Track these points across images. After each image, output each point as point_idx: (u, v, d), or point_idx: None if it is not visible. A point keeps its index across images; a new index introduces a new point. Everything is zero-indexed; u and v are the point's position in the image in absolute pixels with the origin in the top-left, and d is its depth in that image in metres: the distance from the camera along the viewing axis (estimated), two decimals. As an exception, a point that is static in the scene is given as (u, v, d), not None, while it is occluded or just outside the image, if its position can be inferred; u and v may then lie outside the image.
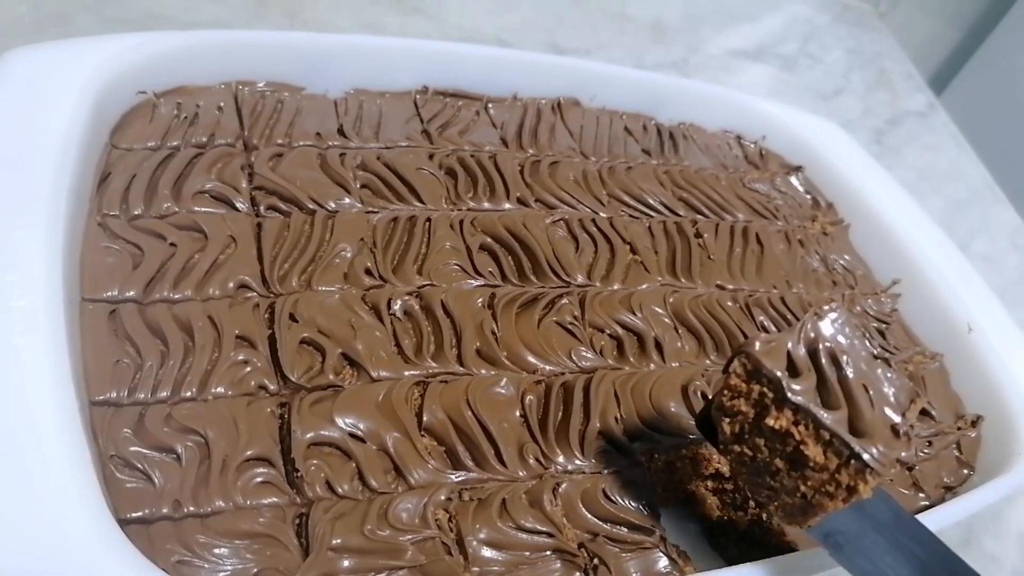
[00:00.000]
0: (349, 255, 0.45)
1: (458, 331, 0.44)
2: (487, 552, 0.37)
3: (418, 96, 0.58)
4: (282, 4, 0.76)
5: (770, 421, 0.35)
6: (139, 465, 0.34)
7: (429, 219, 0.49)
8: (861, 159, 0.74)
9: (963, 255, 0.68)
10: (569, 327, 0.47)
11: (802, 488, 0.35)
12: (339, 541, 0.34)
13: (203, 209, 0.45)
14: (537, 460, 0.41)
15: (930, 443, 0.53)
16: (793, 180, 0.70)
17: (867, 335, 0.38)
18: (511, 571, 0.37)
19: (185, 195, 0.45)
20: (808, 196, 0.70)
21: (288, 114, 0.52)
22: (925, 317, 0.62)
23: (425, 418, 0.40)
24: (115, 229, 0.42)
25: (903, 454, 0.34)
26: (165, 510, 0.33)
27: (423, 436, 0.40)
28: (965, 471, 0.54)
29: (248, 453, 0.36)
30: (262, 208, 0.46)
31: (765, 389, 0.35)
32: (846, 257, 0.65)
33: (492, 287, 0.48)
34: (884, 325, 0.61)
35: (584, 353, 0.46)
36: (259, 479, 0.36)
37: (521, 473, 0.40)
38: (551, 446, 0.42)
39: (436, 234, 0.49)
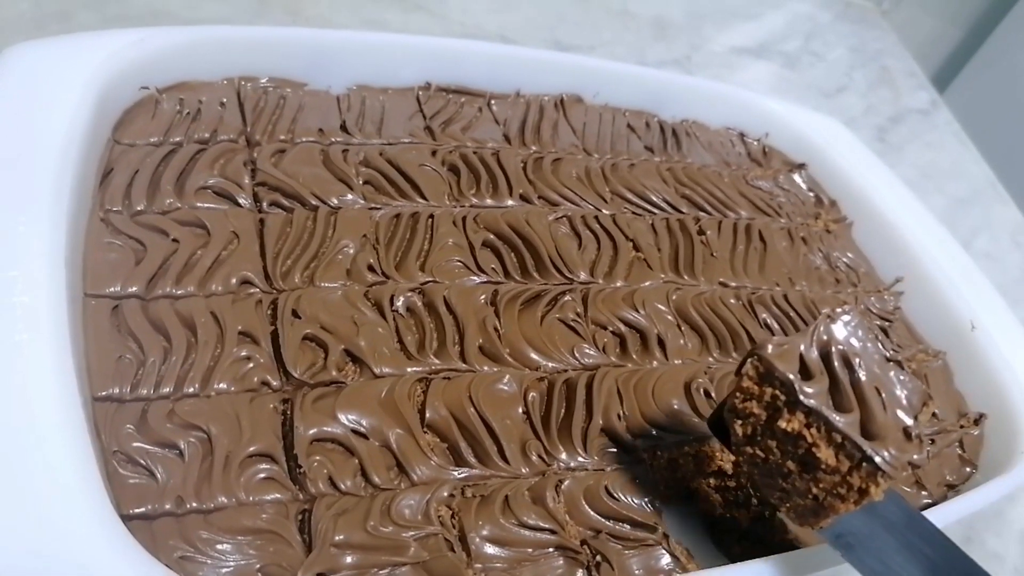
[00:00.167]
0: (352, 251, 0.45)
1: (461, 328, 0.44)
2: (490, 549, 0.37)
3: (421, 92, 0.58)
4: (283, 1, 0.76)
5: (782, 423, 0.35)
6: (142, 461, 0.34)
7: (432, 216, 0.49)
8: (864, 157, 0.73)
9: (966, 253, 0.68)
10: (572, 324, 0.47)
11: (814, 490, 0.36)
12: (342, 537, 0.34)
13: (206, 205, 0.45)
14: (540, 457, 0.41)
15: (933, 441, 0.53)
16: (796, 177, 0.70)
17: (879, 337, 0.38)
18: (514, 568, 0.36)
19: (188, 191, 0.45)
20: (811, 193, 0.70)
21: (291, 110, 0.52)
22: (928, 315, 0.62)
23: (428, 415, 0.40)
24: (118, 225, 0.42)
25: (915, 457, 0.34)
26: (168, 506, 0.33)
27: (426, 433, 0.40)
28: (968, 469, 0.54)
29: (251, 449, 0.36)
30: (265, 204, 0.46)
31: (777, 392, 0.36)
32: (849, 255, 0.65)
33: (495, 284, 0.48)
34: (887, 323, 0.61)
35: (587, 350, 0.46)
36: (262, 475, 0.36)
37: (524, 470, 0.40)
38: (554, 443, 0.42)
39: (439, 231, 0.48)
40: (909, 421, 0.35)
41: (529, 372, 0.44)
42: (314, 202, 0.47)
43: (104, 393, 0.36)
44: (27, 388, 0.32)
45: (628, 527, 0.40)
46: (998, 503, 0.55)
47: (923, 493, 0.50)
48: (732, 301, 0.54)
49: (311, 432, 0.37)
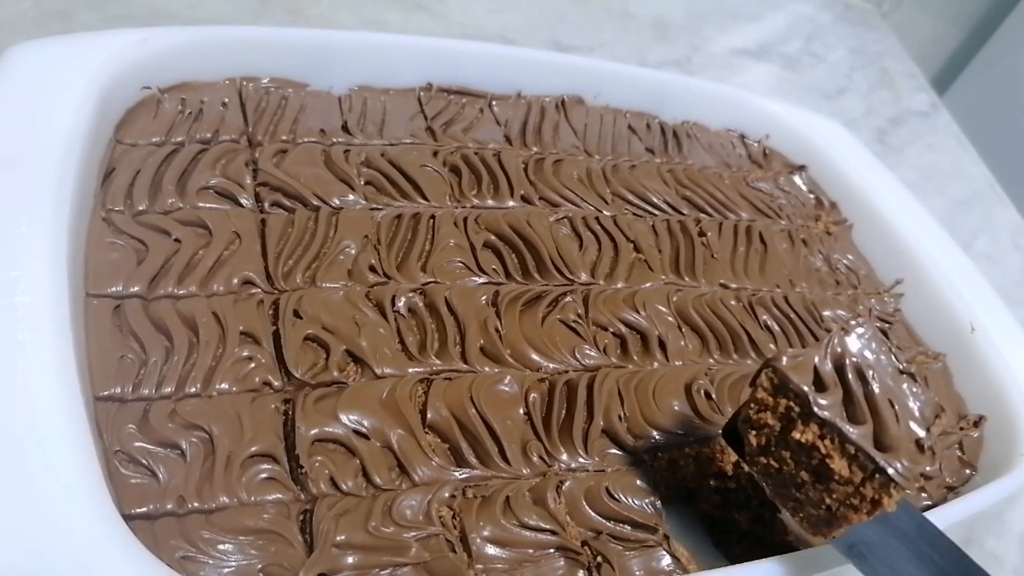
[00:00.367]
0: (353, 252, 0.45)
1: (462, 328, 0.44)
2: (491, 549, 0.37)
3: (422, 93, 0.58)
4: (284, 1, 0.76)
5: (796, 435, 0.36)
6: (143, 461, 0.34)
7: (433, 216, 0.49)
8: (864, 159, 0.74)
9: (966, 255, 0.68)
10: (573, 325, 0.47)
11: (827, 500, 0.36)
12: (343, 537, 0.34)
13: (207, 205, 0.45)
14: (541, 458, 0.41)
15: (937, 433, 0.53)
16: (796, 179, 0.70)
17: (893, 350, 0.39)
18: (515, 568, 0.37)
19: (189, 191, 0.45)
20: (811, 195, 0.70)
21: (292, 110, 0.52)
22: (928, 317, 0.62)
23: (429, 415, 0.40)
24: (119, 225, 0.42)
25: (927, 468, 0.34)
26: (169, 506, 0.33)
27: (427, 433, 0.40)
28: (967, 471, 0.54)
29: (252, 449, 0.36)
30: (266, 204, 0.46)
31: (792, 403, 0.36)
32: (849, 257, 0.65)
33: (496, 285, 0.48)
34: (887, 325, 0.61)
35: (588, 351, 0.46)
36: (263, 475, 0.36)
37: (525, 471, 0.40)
38: (555, 444, 0.42)
39: (440, 231, 0.49)
40: (922, 433, 0.36)
41: (530, 373, 0.44)
42: (316, 202, 0.47)
43: (106, 393, 0.36)
44: (29, 388, 0.32)
45: (629, 528, 0.40)
46: (998, 505, 0.55)
47: (923, 495, 0.51)
48: (733, 302, 0.54)
49: (312, 432, 0.37)
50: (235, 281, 0.42)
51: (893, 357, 0.39)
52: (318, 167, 0.49)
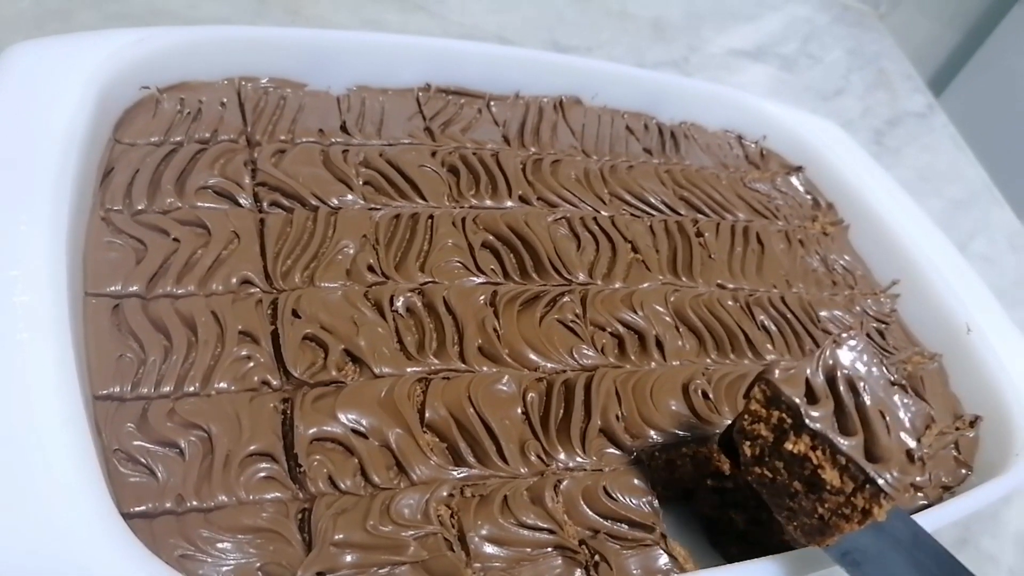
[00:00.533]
0: (352, 252, 0.45)
1: (460, 328, 0.44)
2: (489, 548, 0.37)
3: (420, 93, 0.58)
4: (282, 1, 0.76)
5: (788, 446, 0.36)
6: (142, 459, 0.34)
7: (431, 216, 0.49)
8: (861, 159, 0.74)
9: (962, 256, 0.68)
10: (571, 325, 0.48)
11: (819, 510, 0.37)
12: (342, 536, 0.34)
13: (206, 205, 0.45)
14: (539, 457, 0.41)
15: (928, 443, 0.53)
16: (793, 180, 0.71)
17: (884, 362, 0.40)
18: (512, 567, 0.37)
19: (188, 190, 0.45)
20: (808, 196, 0.70)
21: (291, 110, 0.52)
22: (924, 317, 0.63)
23: (427, 415, 0.40)
24: (118, 224, 0.42)
25: (917, 479, 0.35)
26: (168, 504, 0.34)
27: (425, 433, 0.40)
28: (963, 471, 0.54)
29: (251, 448, 0.36)
30: (265, 204, 0.46)
31: (784, 415, 0.37)
32: (846, 257, 0.66)
33: (494, 284, 0.48)
34: (883, 325, 0.61)
35: (585, 351, 0.47)
36: (262, 474, 0.36)
37: (523, 470, 0.40)
38: (552, 443, 0.42)
39: (438, 231, 0.49)
40: (912, 444, 0.37)
41: (528, 373, 0.44)
42: (314, 202, 0.47)
43: (105, 392, 0.36)
44: (28, 387, 0.32)
45: (626, 527, 0.40)
46: (993, 505, 0.55)
47: (919, 495, 0.51)
48: (730, 303, 0.54)
49: (311, 431, 0.37)
50: (234, 280, 0.42)
51: (884, 369, 0.40)
52: (316, 167, 0.49)
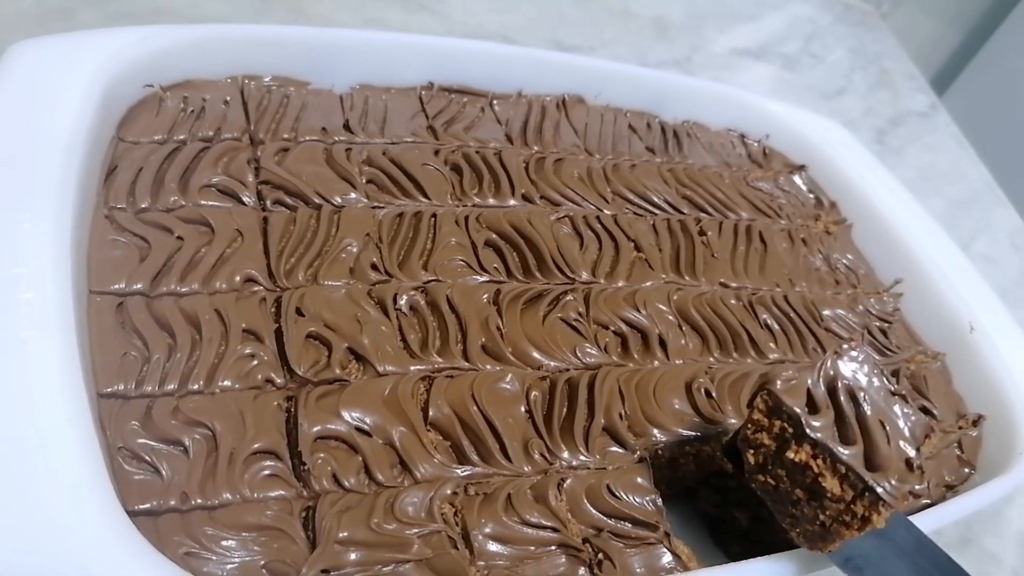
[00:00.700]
0: (355, 250, 0.45)
1: (463, 327, 0.44)
2: (493, 546, 0.37)
3: (423, 92, 0.58)
4: (286, 0, 0.76)
5: (790, 454, 0.38)
6: (147, 457, 0.34)
7: (435, 215, 0.49)
8: (864, 159, 0.74)
9: (964, 255, 0.68)
10: (574, 324, 0.48)
11: (821, 517, 0.38)
12: (346, 534, 0.34)
13: (210, 203, 0.45)
14: (542, 455, 0.41)
15: (928, 453, 0.53)
16: (796, 179, 0.71)
17: (885, 373, 0.41)
18: (516, 565, 0.37)
19: (192, 189, 0.45)
20: (811, 195, 0.70)
21: (294, 109, 0.52)
22: (927, 316, 0.63)
23: (431, 413, 0.40)
24: (122, 222, 0.42)
25: (916, 487, 0.36)
26: (173, 502, 0.34)
27: (429, 431, 0.40)
28: (966, 470, 0.54)
29: (255, 446, 0.36)
30: (268, 202, 0.46)
31: (786, 424, 0.38)
32: (849, 256, 0.66)
33: (497, 283, 0.48)
34: (886, 324, 0.61)
35: (588, 350, 0.47)
36: (266, 472, 0.36)
37: (526, 468, 0.40)
38: (556, 442, 0.42)
39: (441, 230, 0.49)
40: (912, 453, 0.38)
41: (531, 371, 0.44)
42: (317, 201, 0.47)
43: (109, 390, 0.36)
44: (33, 385, 0.32)
45: (630, 525, 0.40)
46: (996, 504, 0.55)
47: (918, 501, 0.51)
48: (733, 302, 0.54)
49: (315, 429, 0.37)
50: (237, 279, 0.42)
51: (885, 380, 0.41)
52: (320, 165, 0.49)
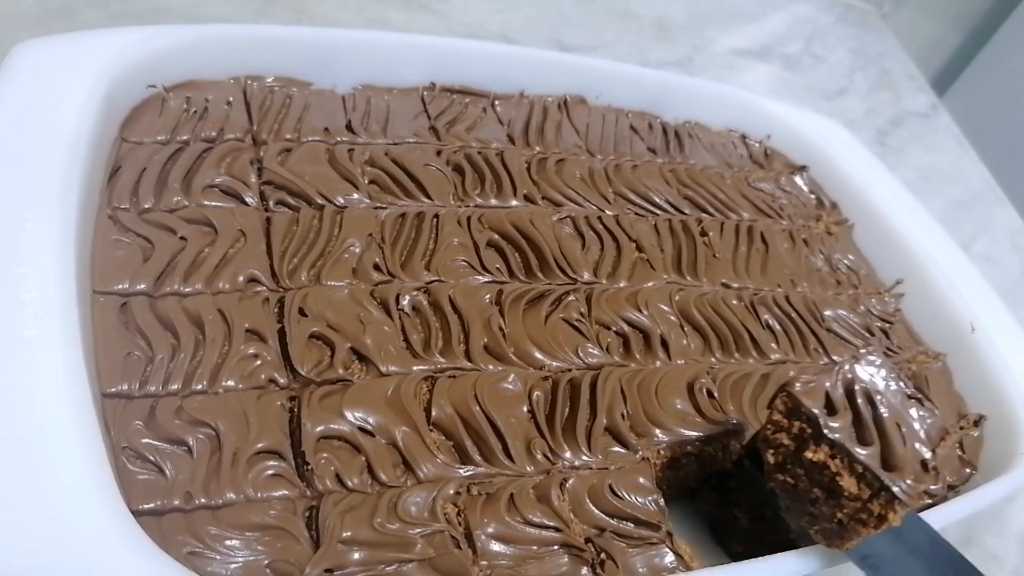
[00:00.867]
0: (358, 250, 0.46)
1: (466, 327, 0.44)
2: (495, 546, 0.37)
3: (425, 92, 0.58)
4: (287, 0, 0.76)
5: (809, 454, 0.39)
6: (151, 457, 0.34)
7: (437, 215, 0.50)
8: (865, 159, 0.74)
9: (965, 256, 0.68)
10: (576, 324, 0.48)
11: (838, 515, 0.39)
12: (349, 534, 0.34)
13: (213, 203, 0.45)
14: (544, 455, 0.41)
15: (942, 454, 0.54)
16: (798, 179, 0.71)
17: (901, 377, 0.43)
18: (519, 565, 0.37)
19: (195, 189, 0.45)
20: (812, 196, 0.70)
21: (296, 109, 0.52)
22: (928, 317, 0.63)
23: (434, 413, 0.40)
24: (125, 222, 0.42)
25: (931, 487, 0.37)
26: (176, 502, 0.34)
27: (432, 431, 0.40)
28: (967, 470, 0.54)
29: (259, 446, 0.36)
30: (271, 203, 0.46)
31: (804, 425, 0.39)
32: (850, 257, 0.66)
33: (499, 283, 0.48)
34: (887, 325, 0.61)
35: (591, 350, 0.47)
36: (269, 472, 0.36)
37: (529, 468, 0.40)
38: (558, 442, 0.42)
39: (444, 230, 0.49)
40: (927, 454, 0.39)
41: (534, 371, 0.44)
42: (320, 201, 0.47)
43: (113, 389, 0.36)
44: (36, 384, 0.32)
45: (632, 525, 0.40)
46: (997, 504, 0.55)
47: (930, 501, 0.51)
48: (734, 302, 0.54)
49: (318, 429, 0.37)
50: (240, 279, 0.42)
51: (902, 383, 0.42)
52: (322, 166, 0.49)
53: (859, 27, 1.22)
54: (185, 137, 0.48)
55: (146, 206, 0.43)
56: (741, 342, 0.52)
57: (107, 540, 0.29)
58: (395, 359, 0.42)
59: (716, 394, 0.48)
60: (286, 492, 0.36)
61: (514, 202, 0.53)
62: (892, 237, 0.66)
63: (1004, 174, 1.04)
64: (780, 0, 1.17)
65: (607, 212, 0.56)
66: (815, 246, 0.64)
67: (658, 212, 0.58)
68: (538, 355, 0.45)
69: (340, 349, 0.41)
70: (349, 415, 0.38)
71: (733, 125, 0.71)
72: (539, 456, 0.41)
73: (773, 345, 0.53)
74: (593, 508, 0.40)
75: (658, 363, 0.48)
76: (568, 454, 0.42)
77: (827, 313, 0.58)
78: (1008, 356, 0.59)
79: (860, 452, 0.38)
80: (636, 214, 0.57)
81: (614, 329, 0.49)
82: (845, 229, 0.68)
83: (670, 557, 0.40)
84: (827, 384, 0.40)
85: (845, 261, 0.65)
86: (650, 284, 0.52)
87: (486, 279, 0.48)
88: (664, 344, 0.49)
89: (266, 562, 0.33)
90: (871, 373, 0.41)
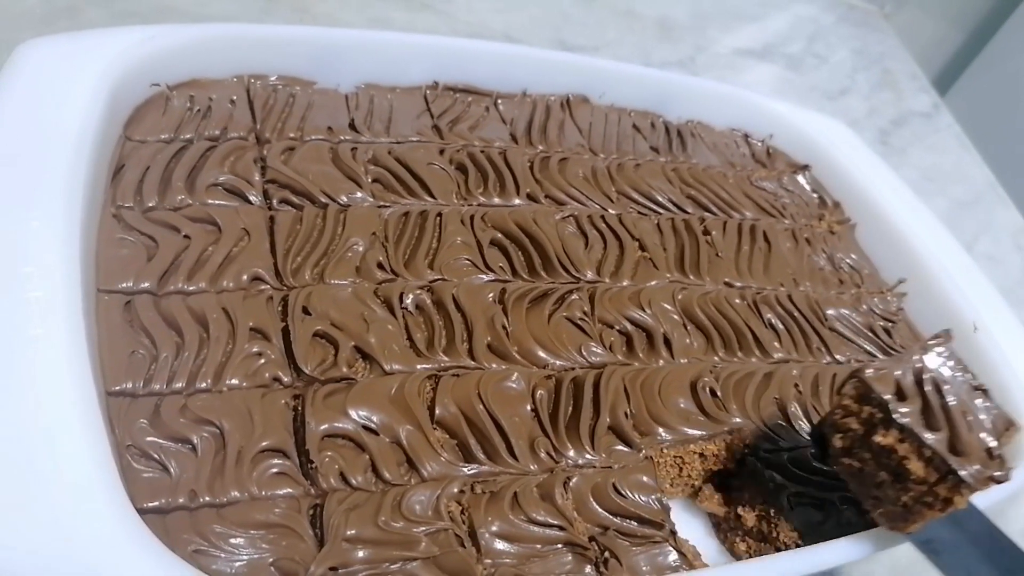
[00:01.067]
0: (361, 249, 0.46)
1: (469, 325, 0.45)
2: (499, 544, 0.37)
3: (428, 91, 0.58)
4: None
5: (878, 438, 0.39)
6: (155, 455, 0.35)
7: (440, 214, 0.50)
8: (868, 158, 0.74)
9: (968, 255, 0.68)
10: (579, 323, 0.48)
11: (903, 498, 0.39)
12: (353, 532, 0.35)
13: (217, 202, 0.45)
14: (548, 454, 0.41)
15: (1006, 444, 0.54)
16: (800, 179, 0.71)
17: (968, 368, 0.44)
18: (523, 563, 0.37)
19: (199, 188, 0.45)
20: (815, 195, 0.70)
21: (300, 108, 0.52)
22: (931, 316, 0.62)
23: (437, 411, 0.40)
24: (130, 221, 0.42)
25: (996, 473, 0.38)
26: (181, 500, 0.34)
27: (435, 429, 0.40)
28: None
29: (263, 444, 0.36)
30: (275, 201, 0.47)
31: (874, 410, 0.40)
32: (852, 256, 0.66)
33: (503, 282, 0.48)
34: (890, 324, 0.61)
35: (594, 348, 0.47)
36: (274, 470, 0.36)
37: (532, 467, 0.40)
38: (562, 440, 0.42)
39: (447, 229, 0.49)
40: (992, 443, 0.40)
41: (537, 370, 0.45)
42: (324, 200, 0.47)
43: (118, 388, 0.36)
44: (41, 383, 0.32)
45: (635, 524, 0.40)
46: (999, 503, 0.55)
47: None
48: (737, 301, 0.54)
49: (322, 428, 0.37)
50: (244, 277, 0.42)
51: (969, 375, 0.43)
52: (326, 164, 0.49)
53: (861, 27, 1.22)
54: (189, 136, 0.48)
55: (150, 205, 0.43)
56: (744, 341, 0.52)
57: (112, 538, 0.29)
58: (399, 358, 0.42)
59: (719, 392, 0.48)
60: (290, 490, 0.36)
61: (517, 201, 0.53)
62: (894, 236, 0.66)
63: (1006, 174, 1.04)
64: (782, 0, 1.17)
65: (610, 211, 0.56)
66: (818, 245, 0.64)
67: (661, 211, 0.58)
68: (541, 354, 0.45)
69: (344, 348, 0.41)
70: (353, 413, 0.38)
71: (735, 124, 0.71)
72: (543, 455, 0.41)
73: (776, 344, 0.53)
74: (597, 507, 0.40)
75: (661, 362, 0.48)
76: (572, 453, 0.42)
77: (830, 312, 0.58)
78: (1010, 355, 0.58)
79: (928, 437, 0.38)
80: (639, 213, 0.57)
81: (617, 328, 0.49)
82: (848, 228, 0.68)
83: (673, 556, 0.40)
84: (897, 372, 0.40)
85: (848, 260, 0.65)
86: (653, 283, 0.52)
87: (489, 278, 0.48)
88: (667, 343, 0.49)
89: (271, 560, 0.33)
90: (939, 363, 0.42)
